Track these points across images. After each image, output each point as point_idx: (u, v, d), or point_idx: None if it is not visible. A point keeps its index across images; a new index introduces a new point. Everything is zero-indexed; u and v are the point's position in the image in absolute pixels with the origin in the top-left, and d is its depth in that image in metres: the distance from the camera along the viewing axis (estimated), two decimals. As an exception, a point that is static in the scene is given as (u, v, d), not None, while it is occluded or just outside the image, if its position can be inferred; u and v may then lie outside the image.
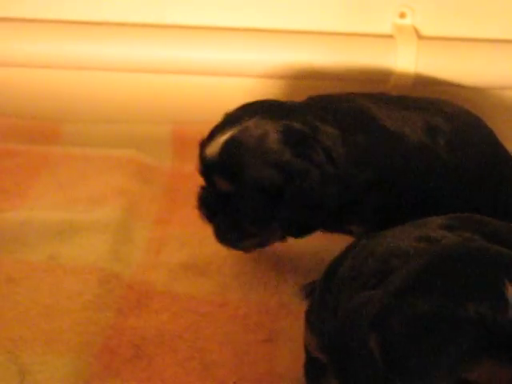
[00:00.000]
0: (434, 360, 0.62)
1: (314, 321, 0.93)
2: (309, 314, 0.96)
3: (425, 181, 1.16)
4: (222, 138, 1.11)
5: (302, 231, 1.16)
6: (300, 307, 1.21)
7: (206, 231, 1.23)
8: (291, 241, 1.22)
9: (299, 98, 1.38)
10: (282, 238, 1.21)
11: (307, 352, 1.00)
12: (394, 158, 1.15)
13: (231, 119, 1.15)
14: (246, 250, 1.23)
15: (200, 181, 1.21)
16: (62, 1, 1.63)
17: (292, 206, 1.10)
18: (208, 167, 1.14)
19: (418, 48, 1.57)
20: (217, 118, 1.49)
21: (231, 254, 1.29)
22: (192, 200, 1.24)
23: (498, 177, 1.23)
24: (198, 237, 1.36)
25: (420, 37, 1.60)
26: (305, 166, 1.08)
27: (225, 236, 1.19)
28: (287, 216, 1.12)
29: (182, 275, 1.29)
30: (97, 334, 1.13)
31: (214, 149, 1.12)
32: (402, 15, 1.61)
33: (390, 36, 1.60)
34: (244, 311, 1.22)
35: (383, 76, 1.56)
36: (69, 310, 1.16)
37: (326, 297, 0.88)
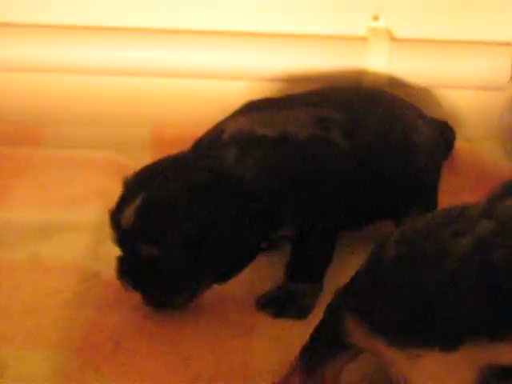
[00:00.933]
0: None
1: (363, 308, 0.94)
2: (354, 304, 0.96)
3: (329, 171, 1.20)
4: (134, 205, 1.10)
5: (229, 275, 1.18)
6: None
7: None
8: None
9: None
10: (211, 285, 1.21)
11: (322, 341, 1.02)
12: (288, 160, 1.17)
13: (135, 186, 1.16)
14: (182, 306, 1.19)
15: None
16: (43, 4, 1.64)
17: (214, 256, 1.13)
18: (127, 236, 1.12)
19: (391, 50, 1.60)
20: (195, 120, 1.52)
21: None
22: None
23: (402, 160, 1.27)
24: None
25: (393, 39, 1.63)
26: (214, 216, 1.11)
27: (159, 301, 1.18)
28: (212, 266, 1.14)
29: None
30: (76, 330, 1.15)
31: (129, 217, 1.10)
32: (376, 18, 1.64)
33: (364, 38, 1.63)
34: (221, 307, 1.25)
35: (357, 78, 1.59)
36: (48, 307, 1.18)
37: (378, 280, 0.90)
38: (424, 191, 1.32)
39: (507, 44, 1.63)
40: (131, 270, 1.15)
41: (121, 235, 1.12)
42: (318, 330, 1.04)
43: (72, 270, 1.28)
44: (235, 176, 1.13)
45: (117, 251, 1.33)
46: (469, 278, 0.76)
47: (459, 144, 1.63)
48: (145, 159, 1.65)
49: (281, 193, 1.16)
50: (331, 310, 1.01)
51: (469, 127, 1.68)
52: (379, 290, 0.91)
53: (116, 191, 1.52)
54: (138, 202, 1.09)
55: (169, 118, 1.69)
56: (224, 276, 1.18)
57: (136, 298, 1.24)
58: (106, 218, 1.43)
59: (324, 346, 1.01)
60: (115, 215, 1.13)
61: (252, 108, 1.28)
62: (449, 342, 0.82)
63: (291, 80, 1.63)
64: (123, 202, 1.13)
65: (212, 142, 1.22)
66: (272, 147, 1.18)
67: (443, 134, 1.49)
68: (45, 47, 1.64)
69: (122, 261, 1.16)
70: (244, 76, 1.65)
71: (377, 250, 0.95)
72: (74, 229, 1.38)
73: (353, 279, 0.98)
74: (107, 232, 1.40)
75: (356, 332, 0.94)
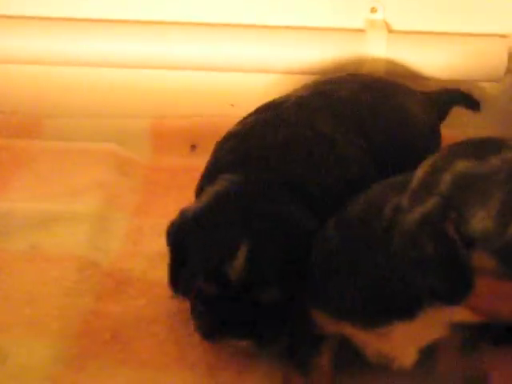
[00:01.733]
0: None
1: (321, 299, 0.97)
2: (314, 296, 0.99)
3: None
4: (241, 254, 1.01)
5: None
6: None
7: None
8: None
9: (274, 92, 1.44)
10: None
11: (299, 334, 1.05)
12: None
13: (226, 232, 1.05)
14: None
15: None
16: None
17: None
18: (237, 288, 1.02)
19: (389, 42, 1.61)
20: (194, 112, 1.53)
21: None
22: (171, 192, 1.26)
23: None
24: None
25: (391, 31, 1.64)
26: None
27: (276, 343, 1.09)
28: None
29: (159, 263, 1.33)
30: (76, 319, 1.17)
31: (239, 267, 1.01)
32: (374, 10, 1.65)
33: (362, 30, 1.64)
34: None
35: (355, 69, 1.60)
36: (49, 296, 1.20)
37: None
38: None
39: (503, 36, 1.64)
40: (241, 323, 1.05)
41: (226, 285, 1.02)
42: (294, 328, 1.07)
43: (71, 259, 1.30)
44: None
45: (116, 242, 1.35)
46: (419, 251, 0.79)
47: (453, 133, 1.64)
48: (144, 151, 1.68)
49: None
50: (298, 306, 1.03)
51: (466, 118, 1.69)
52: (330, 280, 0.94)
53: (116, 182, 1.55)
54: (243, 250, 1.01)
55: (168, 109, 1.70)
56: None
57: (135, 287, 1.26)
58: (105, 209, 1.46)
59: (305, 342, 1.04)
60: (218, 270, 1.02)
61: None
62: (406, 312, 0.85)
63: (291, 72, 1.65)
64: (222, 245, 1.03)
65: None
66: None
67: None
68: (44, 40, 1.65)
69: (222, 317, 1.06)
70: (243, 68, 1.66)
71: (319, 242, 0.98)
72: (73, 219, 1.40)
73: (307, 274, 1.00)
74: (107, 223, 1.43)
75: (324, 322, 0.97)
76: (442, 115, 1.53)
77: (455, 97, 1.60)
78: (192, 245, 1.06)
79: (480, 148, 0.81)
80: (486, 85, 1.69)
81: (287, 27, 1.67)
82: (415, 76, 1.64)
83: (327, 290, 0.95)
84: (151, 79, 1.72)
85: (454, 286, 0.79)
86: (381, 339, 0.93)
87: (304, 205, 1.08)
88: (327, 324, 0.97)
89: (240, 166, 1.14)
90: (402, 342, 0.94)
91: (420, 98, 1.43)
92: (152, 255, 1.35)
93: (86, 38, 1.64)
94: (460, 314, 0.85)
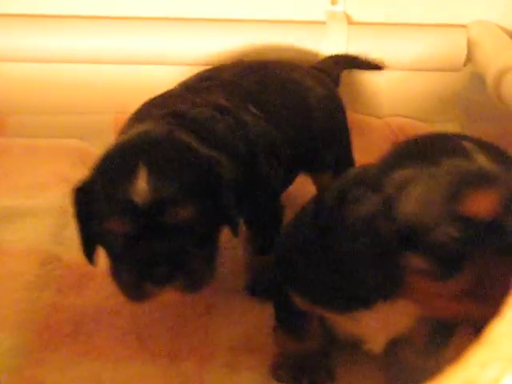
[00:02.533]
0: None
1: (297, 286, 0.99)
2: (290, 281, 1.01)
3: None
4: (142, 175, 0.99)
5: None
6: (234, 283, 1.28)
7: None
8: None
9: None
10: None
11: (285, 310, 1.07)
12: None
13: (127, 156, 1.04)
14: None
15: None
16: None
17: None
18: (146, 212, 0.98)
19: (349, 33, 1.63)
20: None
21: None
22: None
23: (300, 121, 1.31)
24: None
25: (351, 22, 1.66)
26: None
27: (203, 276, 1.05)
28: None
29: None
30: (37, 312, 1.18)
31: (144, 188, 0.98)
32: (334, 2, 1.67)
33: (323, 22, 1.66)
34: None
35: (316, 60, 1.61)
36: (9, 289, 1.21)
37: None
38: (327, 148, 1.36)
39: (462, 26, 1.66)
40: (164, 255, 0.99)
41: (135, 213, 0.97)
42: (278, 304, 1.09)
43: (34, 253, 1.30)
44: None
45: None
46: (355, 245, 0.81)
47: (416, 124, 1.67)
48: (108, 145, 1.67)
49: None
50: (277, 288, 1.05)
51: (427, 109, 1.71)
52: (299, 267, 0.96)
53: (79, 177, 1.55)
54: (143, 171, 0.97)
55: (132, 104, 1.69)
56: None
57: (97, 281, 1.27)
58: (68, 204, 1.45)
59: (292, 314, 1.05)
60: (122, 199, 0.97)
61: None
62: (364, 302, 0.87)
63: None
64: (121, 176, 0.99)
65: None
66: None
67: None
68: (10, 37, 1.65)
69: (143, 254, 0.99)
70: (206, 61, 1.67)
71: (293, 228, 1.02)
72: (36, 214, 1.40)
73: (282, 260, 1.03)
74: (70, 217, 1.43)
75: (301, 303, 0.98)
76: (336, 82, 1.53)
77: (348, 62, 1.62)
78: (95, 193, 1.03)
79: (426, 151, 0.82)
80: (446, 74, 1.71)
81: (248, 20, 1.68)
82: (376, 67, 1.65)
83: (299, 278, 0.98)
84: (114, 74, 1.72)
85: (383, 282, 0.81)
86: (352, 323, 0.96)
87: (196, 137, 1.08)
88: (304, 305, 0.99)
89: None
90: (372, 329, 0.96)
91: (311, 71, 1.42)
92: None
93: (47, 34, 1.65)
94: (408, 308, 0.87)
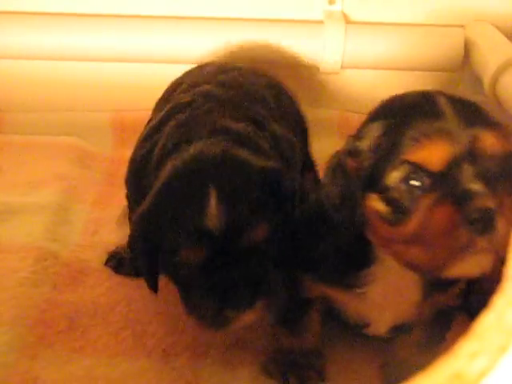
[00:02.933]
0: None
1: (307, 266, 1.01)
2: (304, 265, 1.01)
3: None
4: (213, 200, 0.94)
5: None
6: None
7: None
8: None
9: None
10: None
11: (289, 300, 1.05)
12: None
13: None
14: None
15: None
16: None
17: None
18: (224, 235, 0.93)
19: (347, 32, 1.63)
20: (154, 104, 1.53)
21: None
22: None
23: None
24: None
25: (348, 22, 1.66)
26: None
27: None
28: None
29: (117, 253, 1.34)
30: (31, 308, 1.17)
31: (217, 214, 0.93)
32: (332, 1, 1.67)
33: (320, 22, 1.66)
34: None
35: (313, 59, 1.62)
36: (4, 286, 1.21)
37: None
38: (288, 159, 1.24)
39: (460, 26, 1.66)
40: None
41: (211, 240, 0.92)
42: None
43: (29, 250, 1.30)
44: None
45: (75, 233, 1.35)
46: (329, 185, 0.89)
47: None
48: (105, 144, 1.69)
49: None
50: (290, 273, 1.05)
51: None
52: (308, 246, 0.99)
53: (77, 175, 1.55)
54: (213, 195, 0.93)
55: (128, 102, 1.71)
56: None
57: (93, 277, 1.27)
58: (65, 201, 1.46)
59: (295, 305, 1.06)
60: (196, 226, 0.92)
61: None
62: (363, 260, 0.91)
63: (250, 62, 1.65)
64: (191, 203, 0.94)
65: None
66: None
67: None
68: (6, 34, 1.65)
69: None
70: (203, 59, 1.66)
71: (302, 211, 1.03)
72: (32, 211, 1.40)
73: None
74: (66, 214, 1.44)
75: (310, 286, 1.00)
76: None
77: None
78: (161, 222, 0.96)
79: (401, 106, 0.87)
80: (444, 74, 1.71)
81: (246, 19, 1.68)
82: (373, 67, 1.65)
83: (308, 255, 0.99)
84: (111, 72, 1.72)
85: (352, 220, 0.85)
86: (359, 301, 0.97)
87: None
88: (313, 288, 1.00)
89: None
90: (377, 306, 0.97)
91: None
92: (110, 246, 1.35)
93: (45, 31, 1.64)
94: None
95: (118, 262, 1.29)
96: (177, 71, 1.60)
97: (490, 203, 0.75)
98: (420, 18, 1.68)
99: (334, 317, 1.06)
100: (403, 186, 0.80)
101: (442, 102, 0.82)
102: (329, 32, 1.63)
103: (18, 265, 1.26)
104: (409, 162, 0.79)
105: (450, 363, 0.47)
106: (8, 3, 1.68)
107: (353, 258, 0.92)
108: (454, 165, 0.77)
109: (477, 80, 1.57)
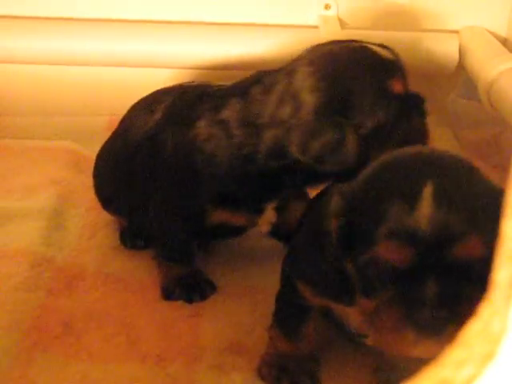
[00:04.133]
0: None
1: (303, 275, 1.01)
2: (298, 271, 1.03)
3: None
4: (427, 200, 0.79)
5: None
6: (225, 284, 1.28)
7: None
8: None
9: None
10: None
11: (287, 305, 1.08)
12: None
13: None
14: None
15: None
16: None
17: None
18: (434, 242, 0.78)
19: (342, 38, 1.63)
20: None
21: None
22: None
23: None
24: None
25: (344, 27, 1.67)
26: None
27: None
28: None
29: (112, 258, 1.35)
30: (26, 313, 1.18)
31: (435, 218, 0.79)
32: (327, 7, 1.68)
33: (315, 27, 1.66)
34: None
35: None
36: (-1, 290, 1.21)
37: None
38: None
39: (454, 32, 1.67)
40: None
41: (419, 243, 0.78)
42: (281, 298, 1.09)
43: (25, 255, 1.30)
44: None
45: (70, 238, 1.36)
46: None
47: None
48: (101, 148, 1.68)
49: None
50: (285, 278, 1.06)
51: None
52: (305, 258, 0.98)
53: (72, 179, 1.56)
54: (428, 192, 0.78)
55: (125, 107, 1.70)
56: None
57: (88, 281, 1.27)
58: (60, 205, 1.46)
59: (292, 312, 1.07)
60: (402, 225, 0.78)
61: None
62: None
63: (244, 68, 1.65)
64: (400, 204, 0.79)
65: None
66: None
67: None
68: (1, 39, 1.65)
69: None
70: (199, 65, 1.68)
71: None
72: (27, 216, 1.41)
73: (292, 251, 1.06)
74: (62, 219, 1.44)
75: (308, 294, 1.00)
76: None
77: None
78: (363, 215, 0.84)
79: None
80: (438, 80, 1.71)
81: (241, 24, 1.69)
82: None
83: (304, 269, 1.00)
84: (108, 76, 1.73)
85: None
86: (358, 314, 0.96)
87: None
88: (310, 296, 1.00)
89: None
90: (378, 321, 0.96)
91: None
92: (106, 250, 1.36)
93: (42, 36, 1.65)
94: None
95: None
96: (175, 76, 1.61)
97: (444, 313, 0.77)
98: (414, 23, 1.68)
99: (331, 320, 1.07)
100: (369, 271, 0.82)
101: (426, 196, 0.78)
102: (324, 37, 1.63)
103: (13, 270, 1.26)
104: (378, 254, 0.80)
105: (436, 371, 0.47)
106: (5, 7, 1.68)
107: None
108: (417, 268, 0.78)
109: (471, 85, 1.58)
